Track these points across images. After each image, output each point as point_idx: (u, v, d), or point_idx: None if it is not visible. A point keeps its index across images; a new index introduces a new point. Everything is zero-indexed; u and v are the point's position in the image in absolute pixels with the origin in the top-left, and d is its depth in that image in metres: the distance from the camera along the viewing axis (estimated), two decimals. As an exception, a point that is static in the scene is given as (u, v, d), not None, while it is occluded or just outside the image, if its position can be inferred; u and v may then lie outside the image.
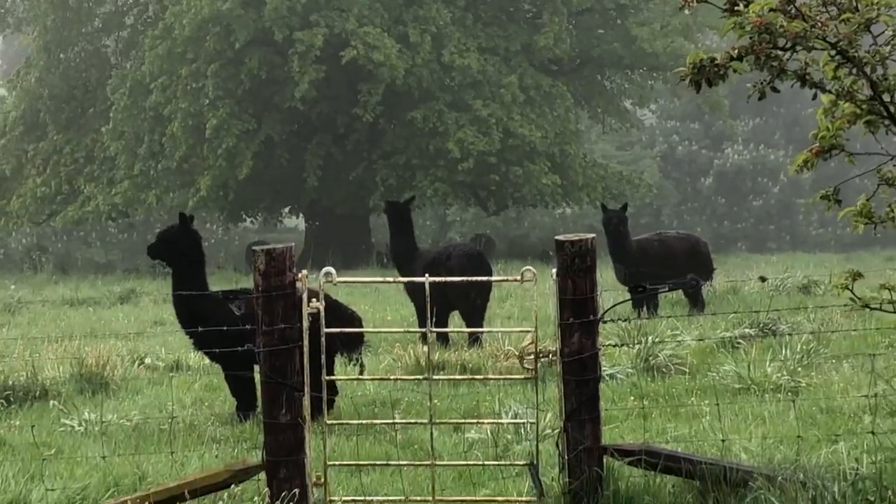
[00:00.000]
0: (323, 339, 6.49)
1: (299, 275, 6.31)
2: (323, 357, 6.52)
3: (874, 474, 6.01)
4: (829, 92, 5.92)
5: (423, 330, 9.56)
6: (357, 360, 10.13)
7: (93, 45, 35.88)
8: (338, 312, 8.95)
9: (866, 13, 5.75)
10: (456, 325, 13.54)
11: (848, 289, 6.12)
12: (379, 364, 11.45)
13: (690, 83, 5.89)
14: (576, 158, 33.02)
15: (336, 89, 31.37)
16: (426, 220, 41.03)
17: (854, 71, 5.84)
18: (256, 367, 7.38)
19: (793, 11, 5.78)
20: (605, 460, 6.32)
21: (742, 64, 5.79)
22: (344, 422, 8.47)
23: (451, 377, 10.17)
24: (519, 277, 6.51)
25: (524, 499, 6.61)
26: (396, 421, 8.26)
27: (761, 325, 12.06)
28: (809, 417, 8.42)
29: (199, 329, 9.16)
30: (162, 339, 14.33)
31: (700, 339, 11.44)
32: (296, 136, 32.70)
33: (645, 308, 15.35)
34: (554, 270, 6.39)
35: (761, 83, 5.83)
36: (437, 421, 7.47)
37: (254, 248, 6.48)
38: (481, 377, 9.96)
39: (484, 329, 12.88)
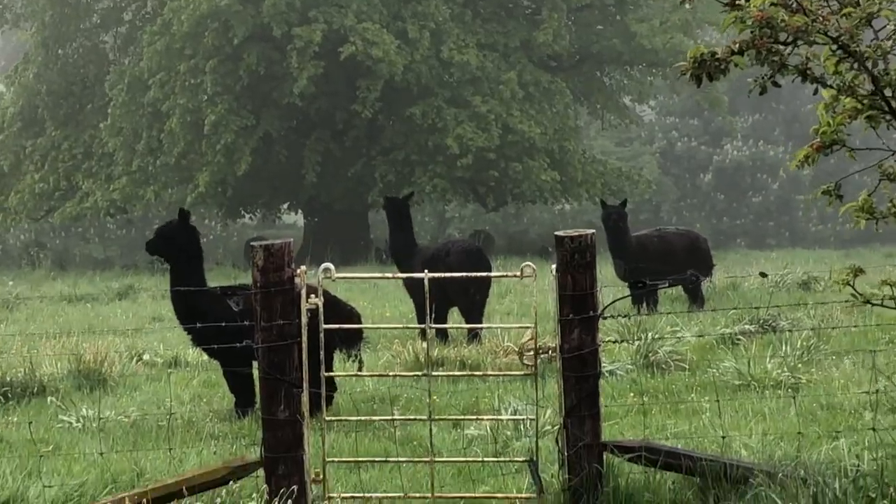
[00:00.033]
0: (322, 335, 6.47)
1: (298, 271, 6.29)
2: (322, 353, 6.50)
3: (875, 471, 5.99)
4: (831, 87, 5.90)
5: (423, 326, 9.51)
6: (356, 356, 10.09)
7: (91, 41, 35.82)
8: (336, 308, 8.92)
9: (868, 7, 5.73)
10: (455, 321, 13.52)
11: (850, 284, 6.10)
12: (378, 360, 11.43)
13: (691, 77, 5.87)
14: (575, 155, 33.01)
15: (335, 85, 31.33)
16: (425, 217, 41.02)
17: (855, 66, 5.82)
18: (255, 364, 7.37)
19: (794, 6, 5.76)
20: (604, 457, 6.30)
21: (743, 58, 5.77)
22: (343, 418, 8.46)
23: (451, 373, 10.17)
24: (518, 273, 6.48)
25: (524, 495, 6.59)
26: (395, 417, 8.24)
27: (761, 322, 12.02)
28: (810, 414, 8.41)
29: (198, 325, 9.12)
30: (160, 335, 14.32)
31: (700, 336, 11.41)
32: (294, 133, 32.66)
33: (645, 304, 15.36)
34: (553, 266, 6.37)
35: (762, 78, 5.80)
36: (437, 417, 7.45)
37: (252, 243, 6.46)
38: (481, 373, 9.96)
39: (483, 325, 12.85)
